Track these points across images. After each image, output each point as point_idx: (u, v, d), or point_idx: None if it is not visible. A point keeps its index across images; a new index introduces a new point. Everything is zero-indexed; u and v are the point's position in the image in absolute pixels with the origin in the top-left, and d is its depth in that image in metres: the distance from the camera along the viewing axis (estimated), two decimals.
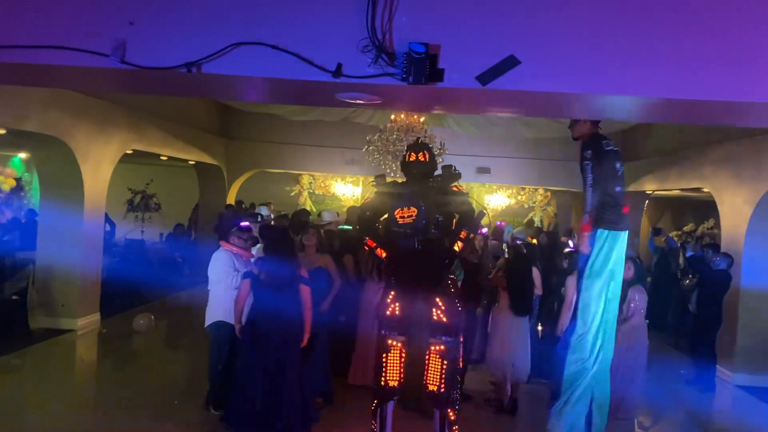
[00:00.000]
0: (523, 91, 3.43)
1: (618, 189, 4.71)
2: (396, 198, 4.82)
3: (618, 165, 4.74)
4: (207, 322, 5.85)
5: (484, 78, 3.40)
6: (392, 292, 4.75)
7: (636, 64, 3.36)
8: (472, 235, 4.93)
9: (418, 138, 5.17)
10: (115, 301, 10.37)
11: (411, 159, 4.96)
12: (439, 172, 5.08)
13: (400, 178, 5.29)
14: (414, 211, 4.69)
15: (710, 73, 3.36)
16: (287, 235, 5.64)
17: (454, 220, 4.92)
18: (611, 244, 4.71)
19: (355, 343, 6.85)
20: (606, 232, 4.74)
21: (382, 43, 3.39)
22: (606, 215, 4.72)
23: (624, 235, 4.77)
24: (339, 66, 3.42)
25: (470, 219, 4.96)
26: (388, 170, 11.37)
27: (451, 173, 4.94)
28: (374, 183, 5.20)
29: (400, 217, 4.72)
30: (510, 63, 3.38)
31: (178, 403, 6.25)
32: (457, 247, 4.82)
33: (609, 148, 4.72)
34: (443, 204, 4.82)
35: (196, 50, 3.43)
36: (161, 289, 11.97)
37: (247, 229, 6.03)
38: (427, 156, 4.95)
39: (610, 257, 4.72)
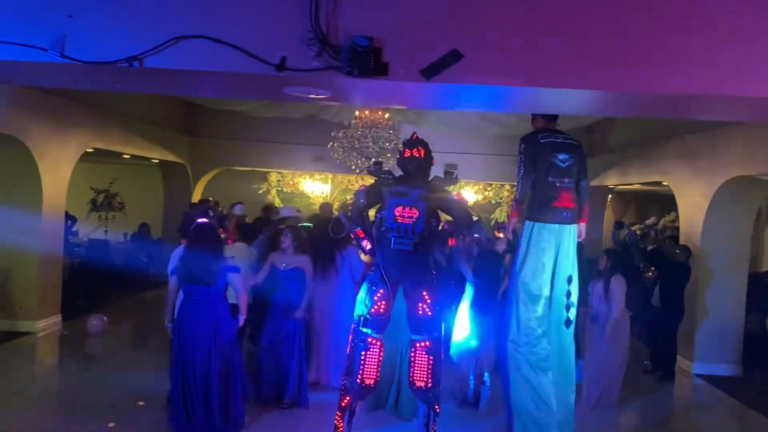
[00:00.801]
0: (467, 85, 3.46)
1: (551, 179, 4.71)
2: (399, 195, 4.76)
3: (561, 156, 4.74)
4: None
5: (428, 72, 3.42)
6: (381, 290, 4.72)
7: (578, 58, 3.41)
8: (462, 241, 4.94)
9: (414, 133, 5.13)
10: (78, 303, 10.23)
11: (407, 155, 4.94)
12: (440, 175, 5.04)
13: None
14: (416, 212, 4.67)
15: (653, 67, 3.42)
16: (206, 228, 5.48)
17: (442, 223, 4.96)
18: (536, 235, 4.73)
19: (312, 342, 6.79)
20: (530, 223, 4.81)
21: (327, 36, 3.39)
22: (532, 207, 4.80)
23: (554, 228, 4.70)
24: (283, 59, 3.41)
25: (467, 225, 4.96)
26: (354, 167, 11.38)
27: (451, 178, 4.95)
28: (371, 170, 5.09)
29: (400, 215, 4.69)
30: (453, 57, 3.41)
31: (143, 404, 6.17)
32: (451, 242, 4.86)
33: (545, 140, 4.76)
34: (440, 208, 4.85)
35: (138, 44, 3.40)
36: (126, 289, 11.83)
37: None
38: (423, 152, 4.94)
39: (539, 249, 4.72)
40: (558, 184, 4.72)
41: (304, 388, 6.21)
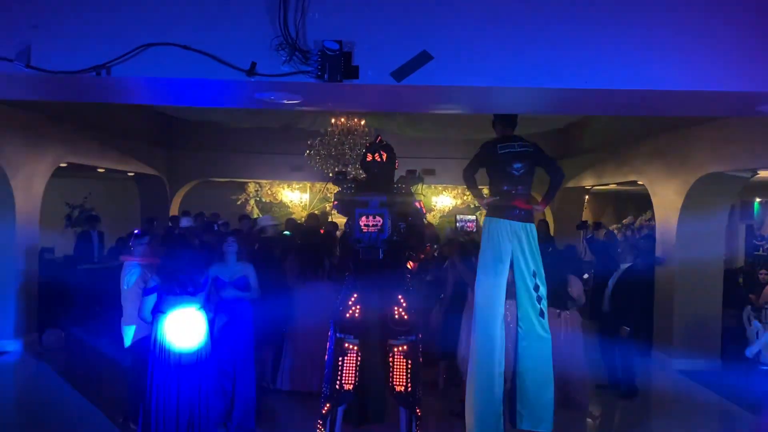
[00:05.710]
0: (438, 86, 3.48)
1: (505, 188, 4.82)
2: (361, 205, 4.78)
3: (516, 165, 4.84)
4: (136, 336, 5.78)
5: (399, 74, 3.44)
6: (355, 295, 4.73)
7: (549, 58, 3.45)
8: (422, 256, 4.96)
9: (378, 136, 5.17)
10: (57, 319, 10.05)
11: (368, 160, 4.99)
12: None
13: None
14: (379, 220, 4.70)
15: (623, 63, 3.48)
16: (177, 242, 5.35)
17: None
18: (494, 229, 4.81)
19: (283, 349, 6.72)
20: (488, 219, 4.93)
21: (296, 41, 3.39)
22: (490, 206, 4.93)
23: (507, 224, 4.79)
24: (253, 65, 3.40)
25: (415, 239, 4.99)
26: (331, 174, 11.38)
27: (414, 177, 5.02)
28: (333, 180, 5.12)
29: (365, 225, 4.71)
30: (423, 58, 3.43)
31: (121, 420, 6.06)
32: (410, 265, 4.87)
33: (504, 151, 4.87)
34: (406, 215, 4.87)
35: (105, 53, 3.37)
36: (105, 305, 11.64)
37: None
38: (385, 156, 4.98)
39: (497, 243, 4.79)
40: (513, 192, 4.86)
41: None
